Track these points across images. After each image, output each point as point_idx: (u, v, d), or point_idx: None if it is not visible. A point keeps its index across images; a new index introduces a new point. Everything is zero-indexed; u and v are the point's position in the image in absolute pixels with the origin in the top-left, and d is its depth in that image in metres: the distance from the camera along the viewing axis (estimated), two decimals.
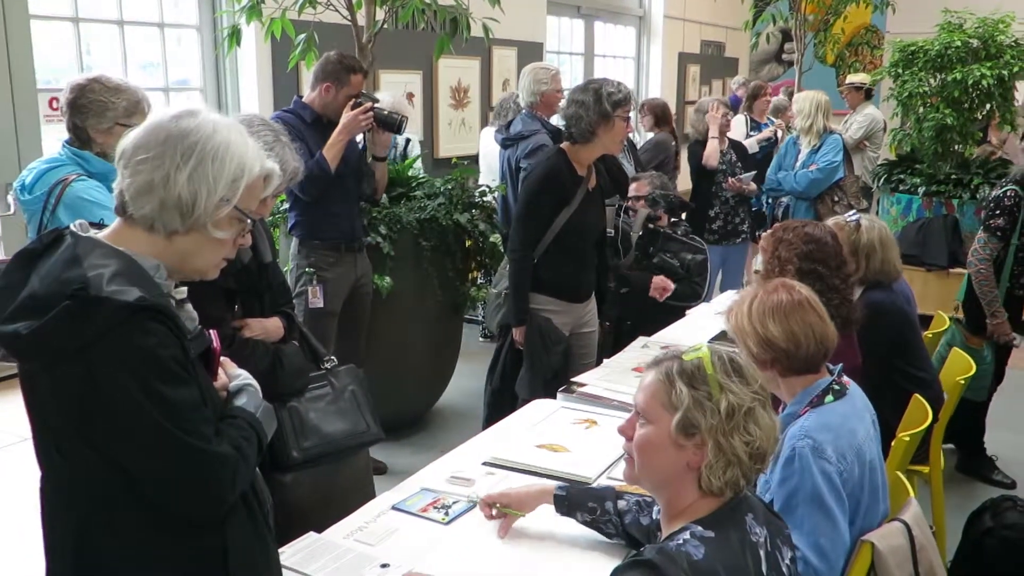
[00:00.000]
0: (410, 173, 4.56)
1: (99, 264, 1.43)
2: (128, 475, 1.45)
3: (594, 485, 2.27)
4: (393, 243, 4.11)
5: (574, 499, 2.06)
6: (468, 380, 5.04)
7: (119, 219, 1.53)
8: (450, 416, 4.81)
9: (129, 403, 1.39)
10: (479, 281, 4.57)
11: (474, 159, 6.36)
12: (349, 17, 4.33)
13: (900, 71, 6.91)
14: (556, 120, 5.12)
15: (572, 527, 2.08)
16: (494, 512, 2.12)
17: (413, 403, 4.58)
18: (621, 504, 2.00)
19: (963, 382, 3.31)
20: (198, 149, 1.48)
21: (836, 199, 5.28)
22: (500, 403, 3.54)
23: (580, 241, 3.48)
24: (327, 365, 2.55)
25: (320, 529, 2.11)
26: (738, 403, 1.50)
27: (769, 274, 2.84)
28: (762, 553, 1.52)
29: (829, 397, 2.12)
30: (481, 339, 5.99)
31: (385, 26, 4.43)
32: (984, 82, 6.46)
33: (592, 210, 3.48)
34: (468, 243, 4.47)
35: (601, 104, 3.28)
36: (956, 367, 3.44)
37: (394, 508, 2.22)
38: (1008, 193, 3.88)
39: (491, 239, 4.42)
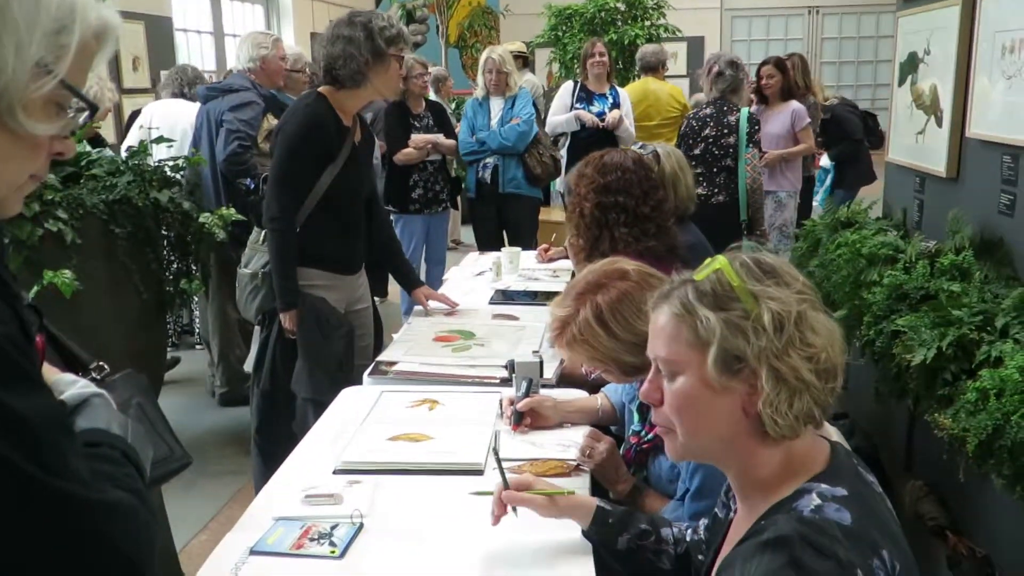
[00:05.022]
0: (78, 148, 3.64)
1: None
2: None
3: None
4: (77, 232, 3.23)
5: (622, 518, 1.58)
6: (184, 391, 4.23)
7: None
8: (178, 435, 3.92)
9: None
10: (191, 270, 3.77)
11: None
12: None
13: (560, 35, 7.09)
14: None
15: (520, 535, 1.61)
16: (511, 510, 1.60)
17: None
18: (676, 532, 1.57)
19: None
20: None
21: (540, 151, 5.18)
22: (274, 407, 2.89)
23: (350, 204, 2.92)
24: (97, 375, 1.80)
25: None
26: (784, 310, 1.11)
27: (569, 215, 2.68)
28: (889, 505, 1.18)
29: None
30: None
31: None
32: (638, 41, 6.84)
33: (360, 167, 2.94)
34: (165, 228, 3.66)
35: (374, 40, 2.73)
36: None
37: (255, 553, 1.59)
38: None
39: (199, 219, 3.65)
